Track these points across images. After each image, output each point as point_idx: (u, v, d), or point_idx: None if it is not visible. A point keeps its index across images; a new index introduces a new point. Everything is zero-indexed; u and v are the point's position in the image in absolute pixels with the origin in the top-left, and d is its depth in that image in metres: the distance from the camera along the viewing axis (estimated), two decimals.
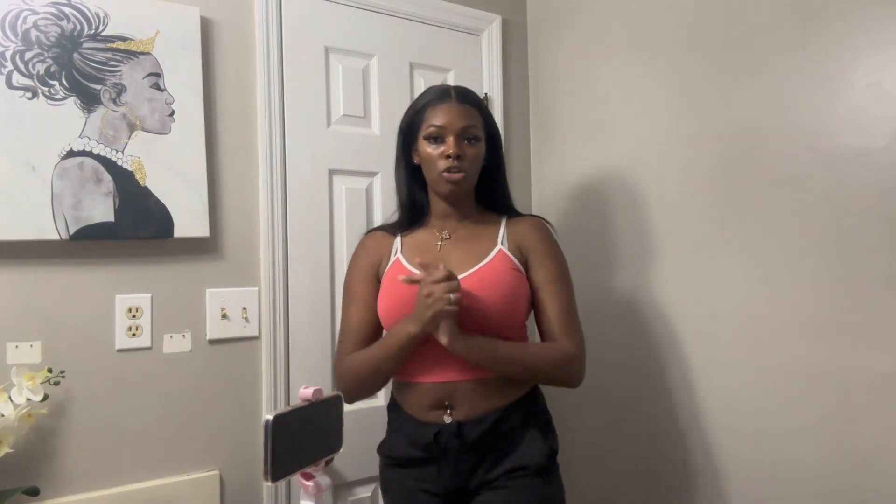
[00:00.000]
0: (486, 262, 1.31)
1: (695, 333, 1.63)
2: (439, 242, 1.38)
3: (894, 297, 1.27)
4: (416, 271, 1.27)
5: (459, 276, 1.25)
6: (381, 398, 1.79)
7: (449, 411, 1.27)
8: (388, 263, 1.38)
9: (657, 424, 1.73)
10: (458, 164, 1.31)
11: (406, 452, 1.32)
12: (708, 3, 1.60)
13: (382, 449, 1.39)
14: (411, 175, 1.42)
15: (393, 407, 1.39)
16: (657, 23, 1.73)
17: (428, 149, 1.34)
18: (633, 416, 1.80)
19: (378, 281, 1.38)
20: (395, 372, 1.33)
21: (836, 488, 1.36)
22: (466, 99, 1.36)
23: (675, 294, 1.68)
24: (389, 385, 1.43)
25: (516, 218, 1.44)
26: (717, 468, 1.59)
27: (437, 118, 1.32)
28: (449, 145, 1.31)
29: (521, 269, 1.34)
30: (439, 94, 1.36)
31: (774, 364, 1.46)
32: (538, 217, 1.46)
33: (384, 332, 1.36)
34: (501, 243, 1.36)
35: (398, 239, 1.40)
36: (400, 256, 1.36)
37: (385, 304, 1.33)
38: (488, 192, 1.44)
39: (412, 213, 1.43)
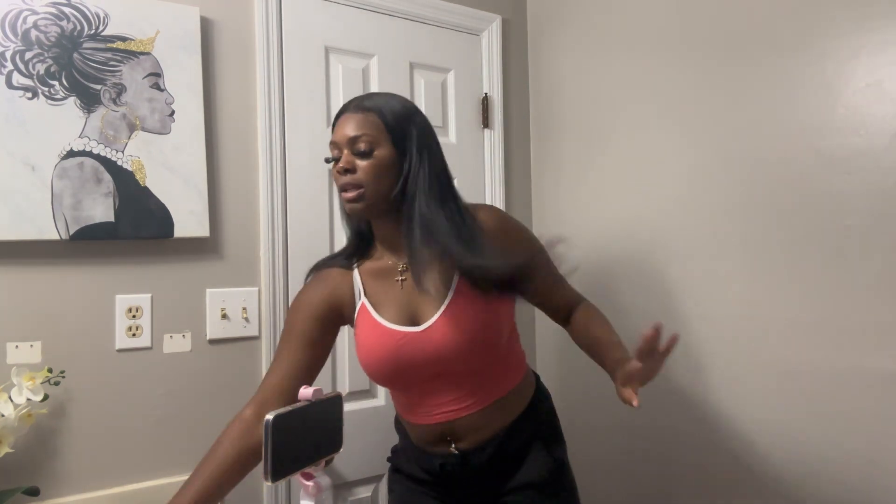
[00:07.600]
0: (451, 298, 1.15)
1: (693, 334, 1.63)
2: (399, 278, 1.20)
3: (894, 296, 1.27)
4: (385, 322, 1.16)
5: (431, 321, 1.15)
6: (381, 398, 1.79)
7: (453, 445, 1.23)
8: (354, 308, 1.22)
9: (668, 426, 1.73)
10: (350, 180, 1.12)
11: (414, 472, 1.30)
12: (708, 4, 1.60)
13: (393, 458, 1.37)
14: None
15: (399, 428, 1.36)
16: (657, 23, 1.73)
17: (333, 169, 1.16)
18: (642, 419, 1.80)
19: (333, 324, 1.23)
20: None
21: (841, 489, 1.36)
22: (360, 106, 1.14)
23: (675, 295, 1.68)
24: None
25: None
26: (729, 471, 1.59)
27: (333, 134, 1.16)
28: (342, 160, 1.13)
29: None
30: (340, 109, 1.18)
31: (774, 364, 1.46)
32: (482, 207, 1.24)
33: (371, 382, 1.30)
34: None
35: (356, 274, 1.23)
36: (365, 301, 1.20)
37: (366, 351, 1.19)
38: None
39: (358, 241, 1.26)
